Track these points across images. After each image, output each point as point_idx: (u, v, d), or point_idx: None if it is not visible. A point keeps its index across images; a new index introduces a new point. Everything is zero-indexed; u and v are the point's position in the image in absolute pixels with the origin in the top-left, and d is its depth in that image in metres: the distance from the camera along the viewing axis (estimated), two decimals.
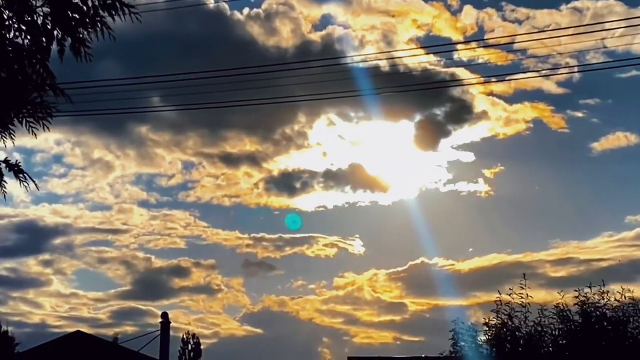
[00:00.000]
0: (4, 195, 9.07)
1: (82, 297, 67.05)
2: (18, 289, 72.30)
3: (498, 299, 23.92)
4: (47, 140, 62.47)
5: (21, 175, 8.98)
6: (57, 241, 72.81)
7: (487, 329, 23.85)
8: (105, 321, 63.81)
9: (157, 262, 68.57)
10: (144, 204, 69.21)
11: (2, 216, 67.20)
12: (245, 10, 58.15)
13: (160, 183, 69.41)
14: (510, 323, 23.72)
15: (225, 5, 54.90)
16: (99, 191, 68.86)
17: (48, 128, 8.54)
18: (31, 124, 8.58)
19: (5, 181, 8.95)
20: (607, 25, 27.59)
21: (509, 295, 23.74)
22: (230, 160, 65.40)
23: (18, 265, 75.61)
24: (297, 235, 67.14)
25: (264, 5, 58.85)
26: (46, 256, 69.78)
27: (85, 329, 44.89)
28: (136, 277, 69.39)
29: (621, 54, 37.72)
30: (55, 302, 69.06)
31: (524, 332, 23.57)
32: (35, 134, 8.39)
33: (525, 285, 23.65)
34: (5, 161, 8.89)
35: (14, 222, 66.88)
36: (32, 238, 67.25)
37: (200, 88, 26.83)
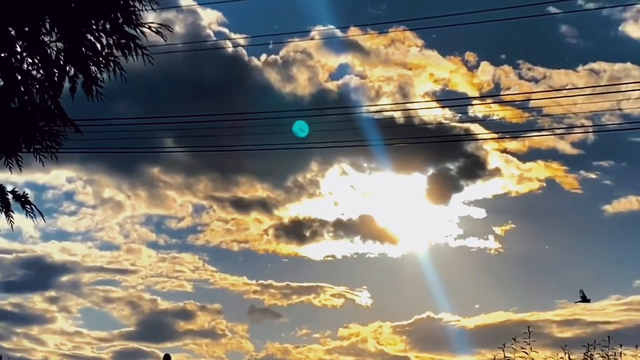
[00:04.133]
0: (12, 227, 8.99)
1: (86, 336, 66.90)
2: (22, 325, 72.08)
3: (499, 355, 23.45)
4: (59, 177, 63.03)
5: (28, 207, 8.89)
6: (64, 279, 72.84)
7: None
8: None
9: (163, 304, 68.52)
10: (152, 245, 69.43)
11: (10, 251, 67.55)
12: (263, 57, 58.76)
13: (170, 225, 69.63)
14: None
15: (244, 51, 55.54)
16: (108, 230, 69.11)
17: (56, 157, 8.50)
18: (40, 153, 8.55)
19: (12, 211, 8.85)
20: (622, 88, 27.59)
21: (513, 352, 23.29)
22: (241, 205, 65.56)
23: (23, 301, 75.51)
24: (305, 284, 66.99)
25: (281, 52, 59.44)
26: (52, 293, 69.67)
27: None
28: (141, 319, 69.30)
29: (636, 117, 37.63)
30: (59, 339, 68.85)
31: None
32: (43, 163, 8.35)
33: (529, 341, 23.26)
34: (13, 192, 8.80)
35: (21, 258, 67.21)
36: (39, 274, 67.39)
37: (215, 131, 26.88)
